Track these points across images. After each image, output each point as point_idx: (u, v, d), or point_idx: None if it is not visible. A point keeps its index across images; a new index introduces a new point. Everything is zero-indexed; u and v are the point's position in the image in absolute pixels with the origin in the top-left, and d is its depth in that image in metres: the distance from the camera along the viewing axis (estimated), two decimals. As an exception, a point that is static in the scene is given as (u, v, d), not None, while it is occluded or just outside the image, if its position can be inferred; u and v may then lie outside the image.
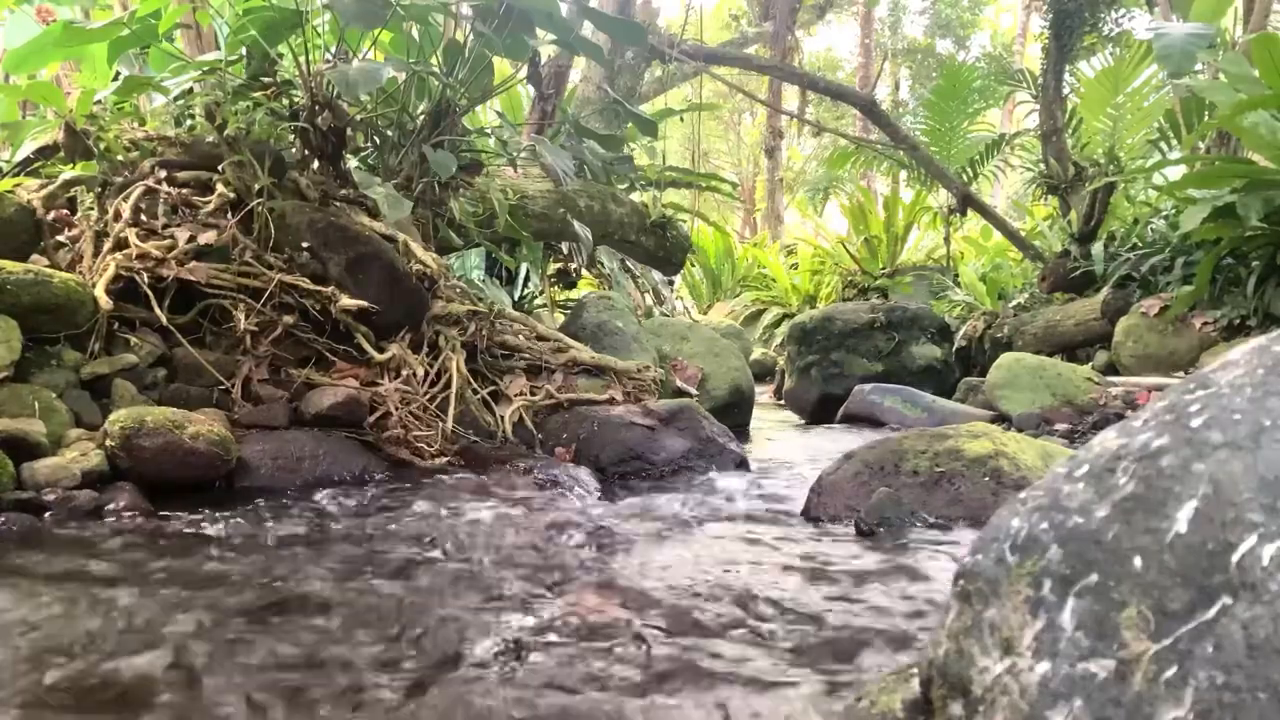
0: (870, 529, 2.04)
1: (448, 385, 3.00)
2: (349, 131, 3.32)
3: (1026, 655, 0.67)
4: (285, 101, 3.14)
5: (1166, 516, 0.66)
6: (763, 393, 7.10)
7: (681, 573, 1.72)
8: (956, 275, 9.97)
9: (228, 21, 3.58)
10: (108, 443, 2.17)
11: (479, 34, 3.47)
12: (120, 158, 3.06)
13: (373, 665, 1.21)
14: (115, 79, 3.77)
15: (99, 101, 3.25)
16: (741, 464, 3.05)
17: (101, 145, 3.02)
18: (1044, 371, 4.79)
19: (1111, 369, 5.64)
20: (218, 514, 2.05)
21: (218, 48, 3.75)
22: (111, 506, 2.03)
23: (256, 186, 2.94)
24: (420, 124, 3.62)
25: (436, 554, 1.83)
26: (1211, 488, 0.65)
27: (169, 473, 2.18)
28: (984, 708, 0.68)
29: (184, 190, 3.02)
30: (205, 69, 3.26)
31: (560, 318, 5.14)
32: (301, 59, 3.14)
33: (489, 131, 4.60)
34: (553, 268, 5.76)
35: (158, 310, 2.64)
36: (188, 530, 1.94)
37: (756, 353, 9.58)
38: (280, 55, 3.31)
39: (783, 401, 6.68)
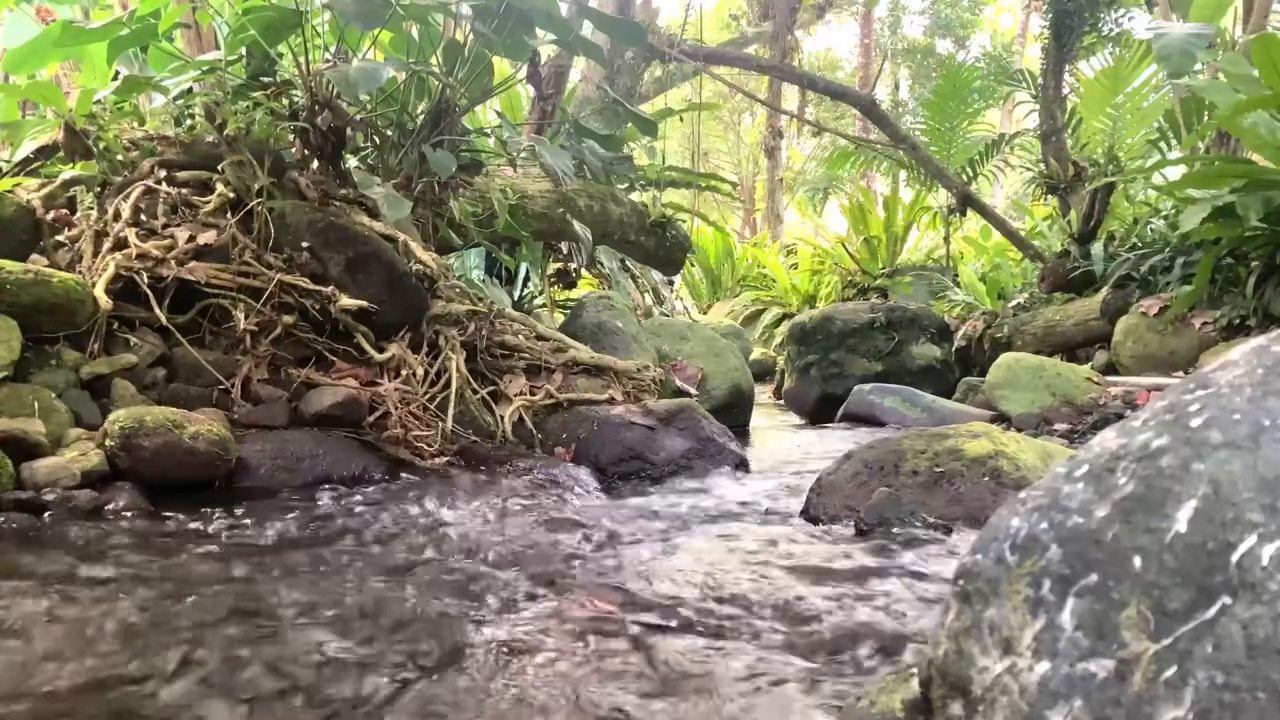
0: (869, 529, 2.04)
1: (447, 385, 3.00)
2: (349, 131, 3.32)
3: (1026, 655, 0.67)
4: (285, 101, 3.14)
5: (1166, 516, 0.66)
6: (763, 393, 7.10)
7: (680, 572, 1.72)
8: (956, 275, 9.97)
9: (228, 21, 3.58)
10: (107, 442, 2.17)
11: (479, 34, 3.47)
12: (120, 157, 3.06)
13: (370, 665, 1.21)
14: (115, 79, 3.77)
15: (99, 101, 3.25)
16: (741, 464, 3.05)
17: (101, 145, 3.02)
18: (1044, 371, 4.79)
19: (1111, 369, 5.64)
20: (217, 514, 2.05)
21: (218, 47, 3.75)
22: (111, 506, 2.03)
23: (256, 186, 2.94)
24: (420, 124, 3.62)
25: (435, 554, 1.83)
26: (1211, 488, 0.65)
27: (168, 472, 2.18)
28: (984, 708, 0.68)
29: (184, 190, 3.02)
30: (205, 69, 3.26)
31: (560, 318, 5.13)
32: (301, 59, 3.14)
33: (489, 131, 4.60)
34: (553, 268, 5.76)
35: (157, 310, 2.63)
36: (187, 530, 1.94)
37: (756, 353, 9.57)
38: (280, 55, 3.31)
39: (782, 401, 6.68)
